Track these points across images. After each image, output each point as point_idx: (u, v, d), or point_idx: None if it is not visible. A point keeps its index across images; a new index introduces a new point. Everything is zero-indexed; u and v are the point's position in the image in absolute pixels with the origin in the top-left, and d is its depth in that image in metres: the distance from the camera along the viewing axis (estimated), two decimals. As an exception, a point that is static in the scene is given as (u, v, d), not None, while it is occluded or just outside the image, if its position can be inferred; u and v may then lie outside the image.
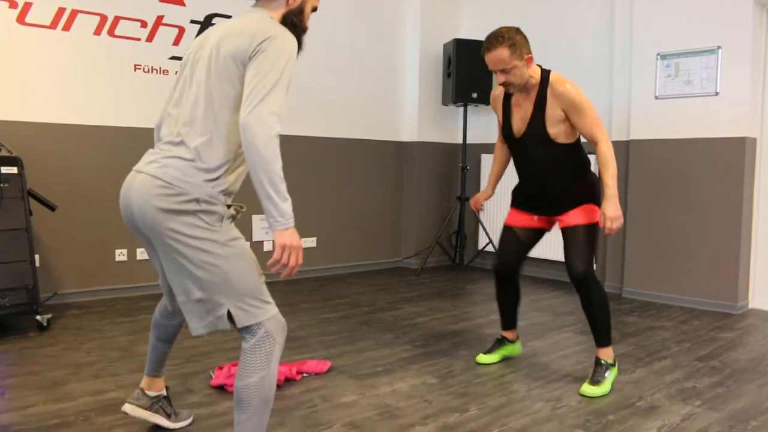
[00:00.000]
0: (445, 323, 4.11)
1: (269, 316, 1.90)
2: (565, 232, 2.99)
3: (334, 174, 5.83)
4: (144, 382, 2.35)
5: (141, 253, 4.68)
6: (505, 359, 3.38)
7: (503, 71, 2.84)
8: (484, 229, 6.09)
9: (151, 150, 1.98)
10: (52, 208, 3.87)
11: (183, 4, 4.76)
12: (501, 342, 3.37)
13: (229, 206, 1.95)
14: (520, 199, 3.20)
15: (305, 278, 5.58)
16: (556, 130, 2.90)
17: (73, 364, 3.11)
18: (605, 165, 2.81)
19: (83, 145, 4.41)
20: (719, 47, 4.50)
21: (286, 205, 1.78)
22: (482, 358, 3.32)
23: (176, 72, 4.72)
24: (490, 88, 5.95)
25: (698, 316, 4.42)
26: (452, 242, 6.50)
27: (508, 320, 3.35)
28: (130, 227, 1.98)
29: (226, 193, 1.92)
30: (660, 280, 4.88)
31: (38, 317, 3.64)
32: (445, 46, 6.11)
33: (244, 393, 1.86)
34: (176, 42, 4.74)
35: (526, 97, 2.96)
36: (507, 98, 3.06)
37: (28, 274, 3.61)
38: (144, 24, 4.60)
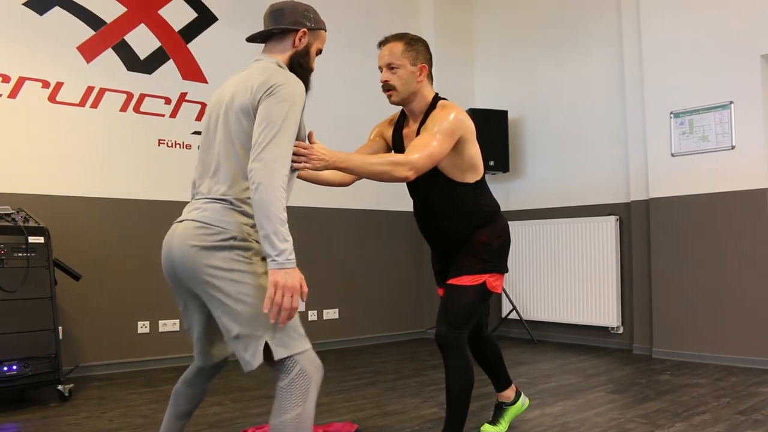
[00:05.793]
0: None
1: (305, 348, 1.89)
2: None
3: (355, 245, 5.85)
4: None
5: (163, 326, 4.66)
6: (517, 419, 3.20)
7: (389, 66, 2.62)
8: (508, 296, 6.02)
9: (191, 202, 2.05)
10: (76, 277, 3.90)
11: (205, 82, 4.94)
12: (500, 408, 3.03)
13: None
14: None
15: (329, 350, 5.50)
16: None
17: None
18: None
19: (108, 217, 4.49)
20: (731, 102, 4.55)
21: (284, 246, 1.79)
22: (488, 428, 2.98)
23: (199, 141, 4.84)
24: (507, 155, 6.03)
25: (735, 373, 4.27)
26: (475, 311, 6.39)
27: (497, 381, 3.04)
28: (170, 279, 2.01)
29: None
30: (690, 339, 4.75)
31: (60, 387, 3.60)
32: (460, 116, 6.23)
33: (279, 431, 1.81)
34: (198, 117, 4.89)
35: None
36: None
37: (51, 343, 3.59)
38: (168, 101, 4.77)
